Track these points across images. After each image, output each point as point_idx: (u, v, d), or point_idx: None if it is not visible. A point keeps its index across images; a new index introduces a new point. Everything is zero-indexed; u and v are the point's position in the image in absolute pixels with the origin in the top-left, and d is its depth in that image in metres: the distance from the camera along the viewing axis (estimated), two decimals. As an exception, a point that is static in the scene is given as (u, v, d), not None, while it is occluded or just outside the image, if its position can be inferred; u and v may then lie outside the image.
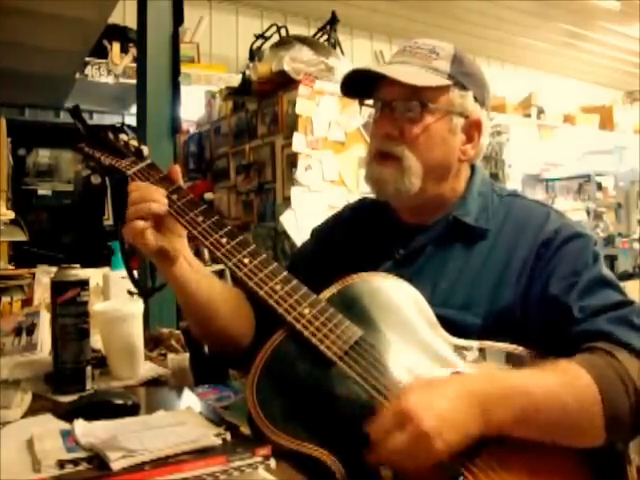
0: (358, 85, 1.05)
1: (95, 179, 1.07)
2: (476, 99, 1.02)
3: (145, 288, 1.11)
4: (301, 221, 3.00)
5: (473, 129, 1.03)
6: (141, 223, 0.92)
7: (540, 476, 0.81)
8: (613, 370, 0.83)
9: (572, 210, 5.31)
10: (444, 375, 0.86)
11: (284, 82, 3.13)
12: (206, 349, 1.43)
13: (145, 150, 1.07)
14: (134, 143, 1.08)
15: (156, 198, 0.94)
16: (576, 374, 0.82)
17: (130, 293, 1.05)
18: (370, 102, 1.07)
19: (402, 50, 1.04)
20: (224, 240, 0.95)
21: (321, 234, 1.21)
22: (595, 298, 0.92)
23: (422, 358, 0.88)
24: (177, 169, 1.03)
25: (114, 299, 1.83)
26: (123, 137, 1.08)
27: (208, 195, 3.86)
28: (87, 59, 3.74)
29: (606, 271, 0.96)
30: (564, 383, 0.81)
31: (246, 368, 0.88)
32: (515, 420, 0.79)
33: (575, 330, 0.90)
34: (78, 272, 1.09)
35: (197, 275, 1.00)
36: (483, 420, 0.78)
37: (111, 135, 1.08)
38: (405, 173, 0.99)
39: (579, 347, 0.88)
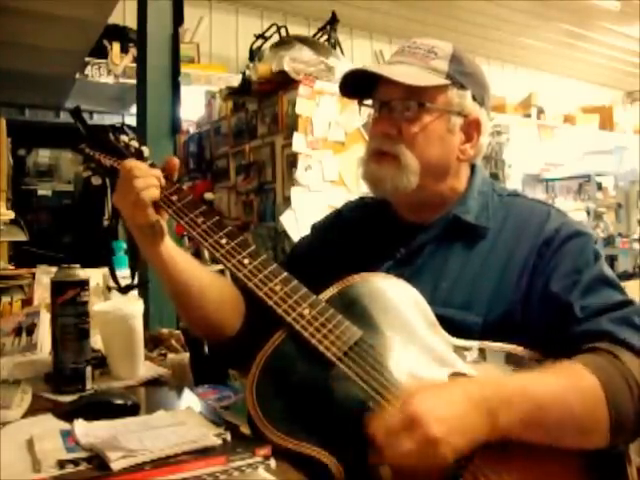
0: (357, 85, 1.05)
1: (96, 180, 1.07)
2: (475, 98, 1.02)
3: (127, 284, 1.11)
4: (301, 221, 3.00)
5: (472, 128, 1.03)
6: (153, 192, 0.94)
7: (540, 476, 0.81)
8: (618, 371, 0.83)
9: (572, 210, 5.31)
10: (450, 379, 0.85)
11: (284, 82, 3.13)
12: (206, 349, 1.43)
13: (145, 151, 1.07)
14: (135, 144, 1.09)
15: (156, 174, 0.97)
16: (581, 376, 0.82)
17: (108, 288, 1.06)
18: (369, 102, 1.07)
19: (401, 50, 1.04)
20: (224, 241, 0.95)
21: (321, 231, 1.21)
22: (597, 297, 0.91)
23: (422, 359, 0.88)
24: (175, 160, 1.03)
25: (114, 299, 1.83)
26: (124, 138, 1.08)
27: (208, 195, 3.86)
28: (87, 59, 3.74)
29: (607, 270, 0.96)
30: (570, 385, 0.81)
31: (246, 368, 0.88)
32: (521, 425, 0.78)
33: (577, 330, 0.89)
34: (78, 272, 1.09)
35: (183, 256, 1.01)
36: (490, 425, 0.77)
37: (112, 136, 1.08)
38: (403, 171, 0.99)
39: (581, 347, 0.87)
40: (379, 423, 0.77)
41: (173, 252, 0.99)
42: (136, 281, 1.11)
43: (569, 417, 0.80)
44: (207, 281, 1.04)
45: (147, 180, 0.94)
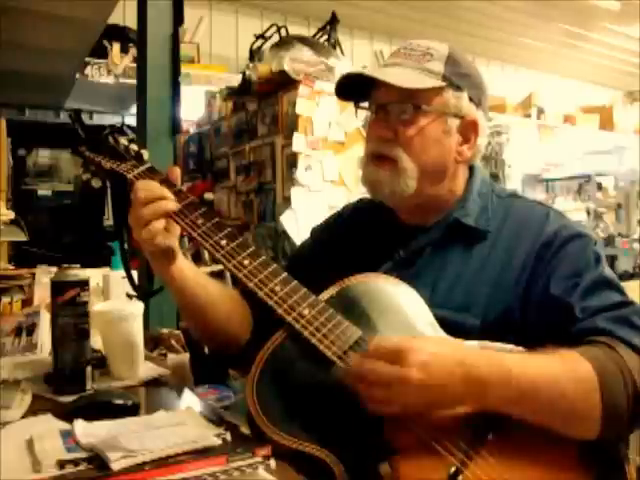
0: (353, 88, 1.05)
1: (96, 183, 1.07)
2: (471, 100, 1.02)
3: (144, 290, 1.11)
4: (301, 221, 3.00)
5: (469, 130, 1.03)
6: (159, 224, 0.92)
7: (540, 473, 0.81)
8: (613, 362, 0.84)
9: (572, 210, 5.31)
10: (457, 342, 0.86)
11: (284, 82, 3.13)
12: (206, 349, 1.43)
13: (145, 154, 1.08)
14: (134, 147, 1.09)
15: (167, 195, 0.95)
16: (576, 362, 0.83)
17: (129, 296, 1.05)
18: (365, 105, 1.07)
19: (397, 52, 1.04)
20: (224, 242, 0.95)
21: (320, 234, 1.22)
22: (597, 299, 0.92)
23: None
24: (177, 170, 1.04)
25: (114, 299, 1.83)
26: (123, 141, 1.09)
27: (208, 195, 3.87)
28: (87, 59, 3.75)
29: (608, 272, 0.97)
30: (564, 369, 0.82)
31: (246, 368, 0.88)
32: (512, 402, 0.80)
33: (575, 329, 0.90)
34: (78, 272, 1.09)
35: (194, 273, 1.01)
36: (477, 401, 0.79)
37: (111, 139, 1.09)
38: (401, 175, 0.99)
39: (580, 343, 0.88)
40: (377, 343, 0.79)
41: (184, 270, 0.99)
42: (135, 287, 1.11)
43: (561, 400, 0.80)
44: (216, 297, 1.04)
45: (153, 208, 0.92)
